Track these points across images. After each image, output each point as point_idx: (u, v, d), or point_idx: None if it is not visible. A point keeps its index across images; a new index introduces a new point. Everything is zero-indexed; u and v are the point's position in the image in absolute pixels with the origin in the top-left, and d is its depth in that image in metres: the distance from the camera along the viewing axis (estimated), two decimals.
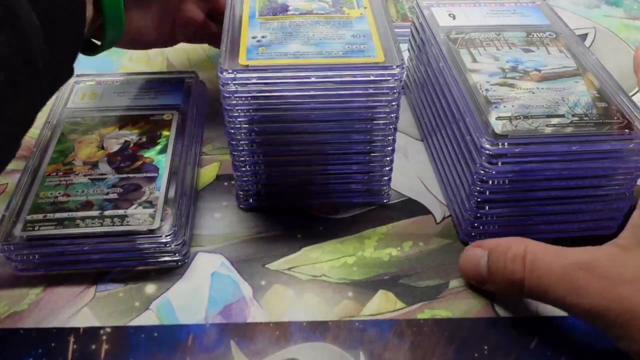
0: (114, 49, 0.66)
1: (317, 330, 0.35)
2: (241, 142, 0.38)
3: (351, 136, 0.38)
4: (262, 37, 0.37)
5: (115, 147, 0.43)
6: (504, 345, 0.34)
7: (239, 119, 0.37)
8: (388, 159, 0.40)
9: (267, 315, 0.36)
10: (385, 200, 0.43)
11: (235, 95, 0.35)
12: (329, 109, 0.37)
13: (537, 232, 0.40)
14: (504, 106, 0.37)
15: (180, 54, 0.61)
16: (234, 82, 0.35)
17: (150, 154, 0.42)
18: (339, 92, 0.36)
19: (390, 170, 0.41)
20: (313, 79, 0.35)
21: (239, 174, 0.40)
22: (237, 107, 0.36)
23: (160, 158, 0.42)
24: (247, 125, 0.37)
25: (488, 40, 0.43)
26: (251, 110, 0.36)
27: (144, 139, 0.43)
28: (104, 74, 0.51)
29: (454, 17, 0.46)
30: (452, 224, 0.42)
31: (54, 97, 0.48)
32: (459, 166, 0.39)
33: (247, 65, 0.35)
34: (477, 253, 0.36)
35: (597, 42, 0.64)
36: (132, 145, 0.43)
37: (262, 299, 0.37)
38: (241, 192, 0.42)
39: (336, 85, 0.36)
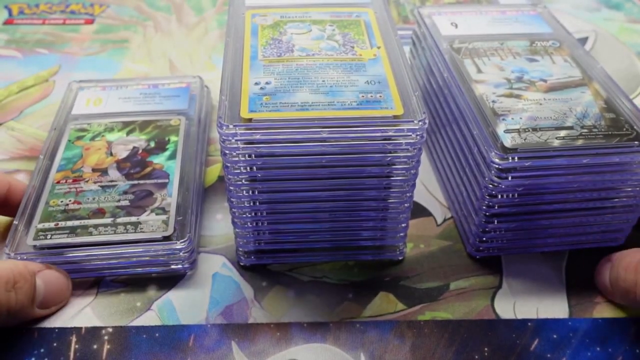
0: (115, 49, 0.66)
1: (317, 331, 0.35)
2: (242, 199, 0.35)
3: (364, 193, 0.35)
4: (266, 83, 0.34)
5: (124, 154, 0.43)
6: (504, 346, 0.35)
7: (240, 176, 0.34)
8: (404, 215, 0.36)
9: (268, 316, 0.36)
10: (399, 258, 0.40)
11: (237, 152, 0.32)
12: (341, 166, 0.34)
13: (545, 245, 0.39)
14: (512, 118, 0.36)
15: (183, 55, 0.61)
16: (235, 138, 0.31)
17: (160, 159, 0.42)
18: (353, 148, 0.32)
19: (406, 226, 0.37)
20: (324, 135, 0.32)
21: (238, 230, 0.37)
22: (239, 164, 0.33)
23: (170, 164, 0.42)
24: (249, 183, 0.34)
25: (492, 49, 0.42)
26: (255, 168, 0.33)
27: (152, 145, 0.43)
28: (108, 79, 0.51)
29: (456, 26, 0.45)
30: (454, 226, 0.42)
31: (58, 103, 0.48)
32: (466, 179, 0.39)
33: (250, 119, 0.31)
34: (604, 266, 0.37)
35: (598, 45, 0.64)
36: (140, 151, 0.43)
37: (263, 300, 0.37)
38: (241, 250, 0.38)
39: (349, 142, 0.32)
